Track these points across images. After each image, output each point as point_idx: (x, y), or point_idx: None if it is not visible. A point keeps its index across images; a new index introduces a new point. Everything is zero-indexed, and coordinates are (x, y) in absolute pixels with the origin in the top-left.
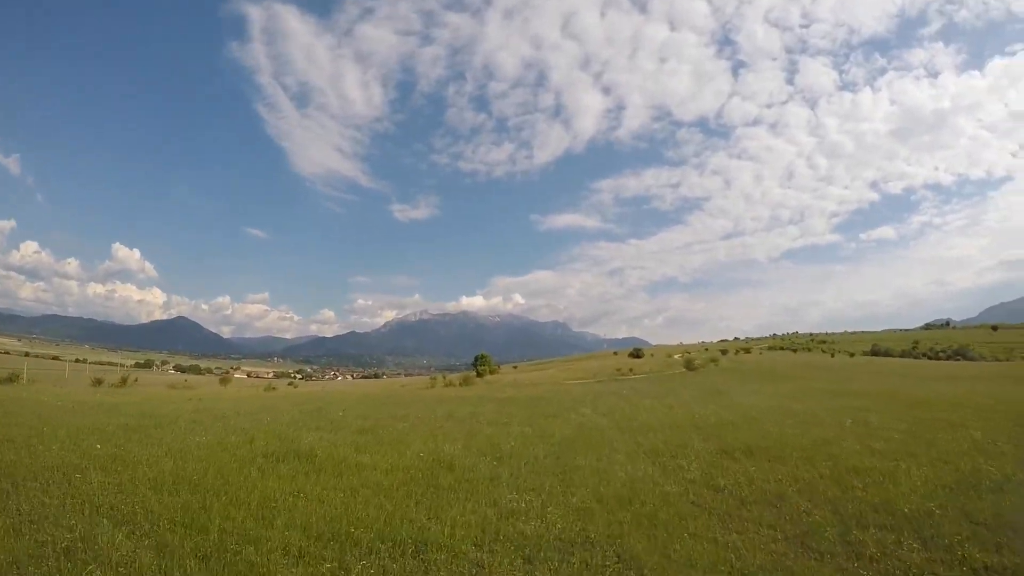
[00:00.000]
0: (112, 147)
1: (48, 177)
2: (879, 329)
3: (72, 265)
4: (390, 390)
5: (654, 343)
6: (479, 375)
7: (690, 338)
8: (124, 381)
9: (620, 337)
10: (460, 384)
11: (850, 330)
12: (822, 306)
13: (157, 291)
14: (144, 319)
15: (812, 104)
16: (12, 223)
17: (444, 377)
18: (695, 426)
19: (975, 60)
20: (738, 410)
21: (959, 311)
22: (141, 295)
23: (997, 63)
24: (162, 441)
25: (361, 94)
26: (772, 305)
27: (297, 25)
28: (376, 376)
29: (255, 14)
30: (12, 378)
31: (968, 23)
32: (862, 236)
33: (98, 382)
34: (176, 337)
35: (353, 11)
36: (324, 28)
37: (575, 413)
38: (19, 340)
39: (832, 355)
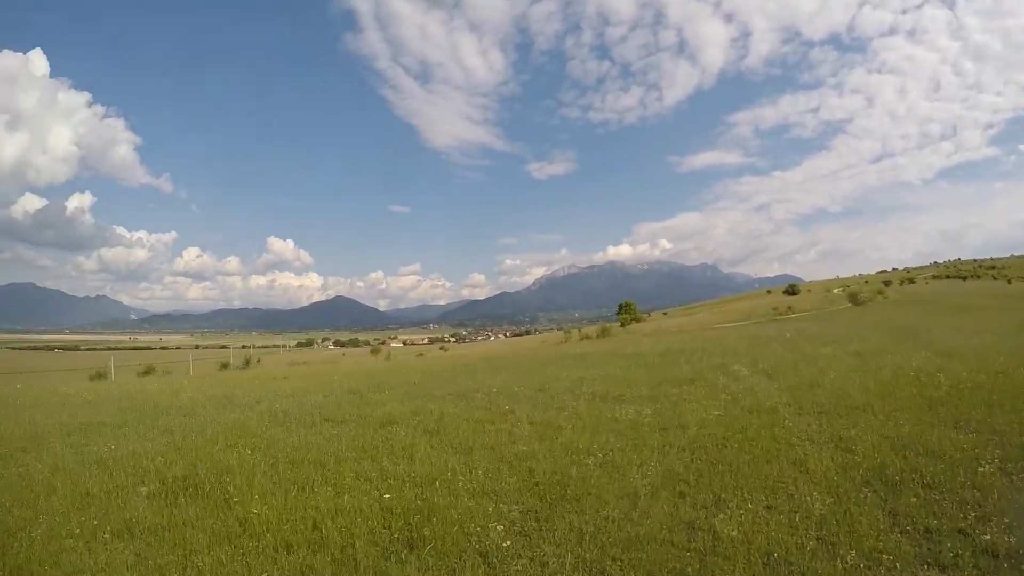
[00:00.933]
0: (248, 150)
1: (198, 188)
2: None
3: (232, 263)
4: (525, 348)
5: (808, 279)
6: (622, 324)
7: (845, 271)
8: (247, 363)
9: (772, 275)
10: (597, 336)
11: (1017, 253)
12: (983, 228)
13: (314, 275)
14: (304, 302)
15: (951, 4)
16: (174, 235)
17: (580, 330)
18: (927, 396)
19: None
20: (971, 356)
21: None
22: (300, 280)
23: None
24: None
25: (481, 61)
26: (929, 231)
27: (405, 7)
28: (527, 333)
29: (363, 5)
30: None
31: None
32: (1022, 147)
33: (224, 366)
34: (336, 315)
35: None
36: (432, 4)
37: (725, 375)
38: (191, 335)
39: (1009, 281)
